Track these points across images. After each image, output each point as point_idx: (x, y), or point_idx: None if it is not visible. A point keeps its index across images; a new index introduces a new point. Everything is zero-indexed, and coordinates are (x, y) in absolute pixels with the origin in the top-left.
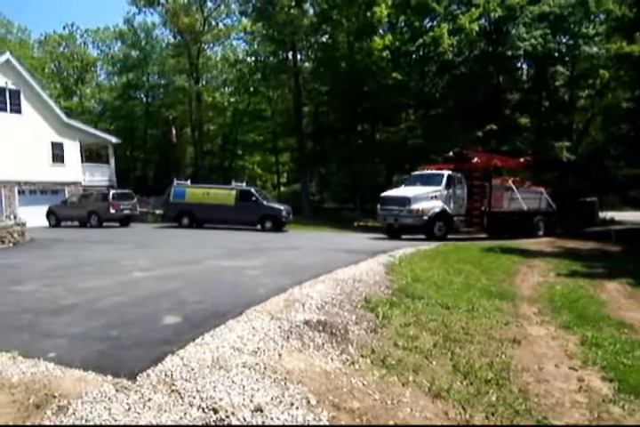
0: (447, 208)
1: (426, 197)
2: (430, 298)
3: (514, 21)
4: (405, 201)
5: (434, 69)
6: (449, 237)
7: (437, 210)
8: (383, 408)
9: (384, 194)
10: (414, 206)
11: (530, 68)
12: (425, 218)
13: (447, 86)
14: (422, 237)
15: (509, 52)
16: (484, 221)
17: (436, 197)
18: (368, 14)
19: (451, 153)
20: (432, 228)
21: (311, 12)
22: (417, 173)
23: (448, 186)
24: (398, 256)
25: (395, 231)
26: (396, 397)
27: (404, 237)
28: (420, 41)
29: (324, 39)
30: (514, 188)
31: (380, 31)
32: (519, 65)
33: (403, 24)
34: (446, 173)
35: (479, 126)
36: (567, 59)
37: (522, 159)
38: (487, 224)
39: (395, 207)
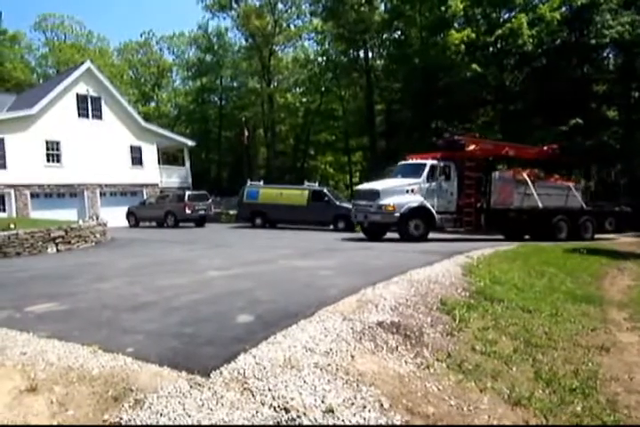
0: (428, 204)
1: (400, 190)
2: (510, 301)
3: (598, 8)
4: (375, 195)
5: (512, 62)
6: (446, 237)
7: (413, 205)
8: (459, 415)
9: (358, 187)
10: (384, 201)
11: (617, 57)
12: (396, 215)
13: (527, 79)
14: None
15: (594, 41)
16: (480, 220)
17: (413, 190)
18: (442, 8)
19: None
20: (406, 226)
21: (382, 8)
22: (402, 162)
23: (431, 178)
24: (476, 257)
25: (369, 231)
26: (472, 403)
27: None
28: (499, 32)
29: (396, 36)
30: (529, 181)
31: (455, 25)
32: (605, 54)
33: (479, 16)
34: (429, 162)
35: (563, 121)
36: None
37: (545, 148)
38: (485, 224)
39: (365, 202)
